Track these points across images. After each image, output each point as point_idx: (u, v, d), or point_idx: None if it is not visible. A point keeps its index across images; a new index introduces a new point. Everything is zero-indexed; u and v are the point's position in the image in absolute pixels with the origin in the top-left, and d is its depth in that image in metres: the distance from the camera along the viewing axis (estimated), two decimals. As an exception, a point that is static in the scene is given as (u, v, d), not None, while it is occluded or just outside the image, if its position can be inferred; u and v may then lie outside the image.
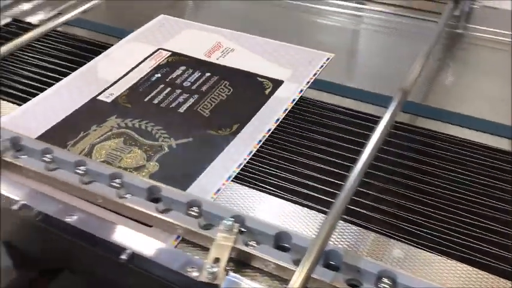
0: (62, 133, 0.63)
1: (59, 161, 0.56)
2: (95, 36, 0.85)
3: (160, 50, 0.80)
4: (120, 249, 0.48)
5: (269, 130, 0.64)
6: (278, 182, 0.57)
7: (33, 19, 0.90)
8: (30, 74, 0.76)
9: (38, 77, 0.75)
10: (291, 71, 0.74)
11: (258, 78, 0.73)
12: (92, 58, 0.79)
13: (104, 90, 0.71)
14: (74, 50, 0.81)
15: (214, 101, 0.68)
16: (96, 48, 0.81)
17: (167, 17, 0.90)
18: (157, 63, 0.76)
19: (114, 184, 0.53)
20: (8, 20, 0.90)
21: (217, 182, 0.56)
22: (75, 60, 0.79)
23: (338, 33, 0.87)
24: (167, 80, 0.73)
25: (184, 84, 0.72)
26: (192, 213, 0.50)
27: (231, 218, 0.47)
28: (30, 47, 0.81)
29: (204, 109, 0.67)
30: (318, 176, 0.57)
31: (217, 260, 0.44)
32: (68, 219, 0.51)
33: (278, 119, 0.65)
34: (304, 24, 0.90)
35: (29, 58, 0.79)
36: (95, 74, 0.75)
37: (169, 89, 0.71)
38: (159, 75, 0.74)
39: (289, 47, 0.81)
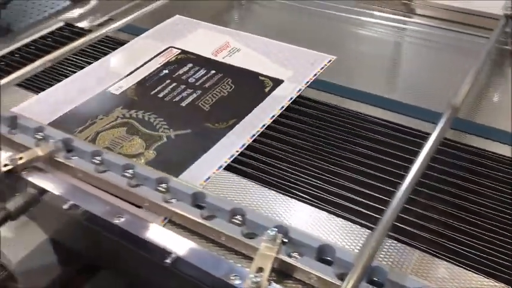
0: (71, 120, 0.68)
1: (108, 163, 0.57)
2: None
3: (171, 48, 0.84)
4: (165, 253, 0.49)
5: (264, 125, 0.66)
6: (314, 191, 0.57)
7: (84, 24, 0.93)
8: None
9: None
10: (292, 72, 0.77)
11: (259, 77, 0.76)
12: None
13: (114, 83, 0.75)
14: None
15: (215, 97, 0.72)
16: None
17: (181, 18, 0.94)
18: (166, 60, 0.80)
19: (160, 188, 0.54)
20: (61, 24, 0.93)
21: (207, 170, 0.59)
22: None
23: (381, 45, 0.86)
24: (174, 76, 0.77)
25: (189, 80, 0.75)
26: (236, 221, 0.51)
27: (275, 228, 0.47)
28: (81, 52, 0.84)
29: (204, 104, 0.70)
30: (361, 189, 0.57)
31: (260, 270, 0.44)
32: (115, 221, 0.52)
33: (274, 116, 0.68)
34: (345, 35, 0.90)
35: (82, 62, 0.82)
36: (108, 68, 0.80)
37: (174, 84, 0.75)
38: (166, 71, 0.78)
39: (294, 49, 0.82)
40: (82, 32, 0.90)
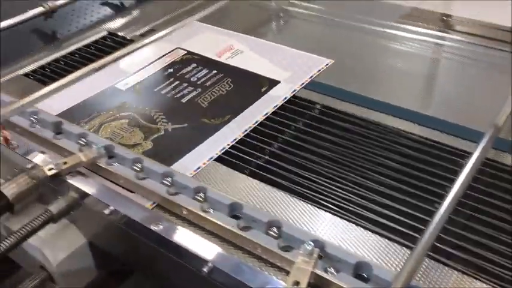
0: (79, 112, 0.74)
1: (148, 170, 0.59)
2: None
3: (178, 49, 0.89)
4: (202, 261, 0.50)
5: (256, 122, 0.70)
6: (344, 203, 0.57)
7: (127, 33, 0.96)
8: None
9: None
10: (290, 73, 0.80)
11: (258, 77, 0.80)
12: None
13: (122, 80, 0.81)
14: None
15: (214, 95, 0.76)
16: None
17: (195, 22, 0.98)
18: (172, 60, 0.86)
19: (198, 198, 0.55)
20: (104, 33, 0.96)
21: (198, 161, 0.64)
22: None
23: (418, 61, 0.85)
24: (178, 74, 0.82)
25: (192, 79, 0.80)
26: (272, 233, 0.51)
27: (311, 242, 0.47)
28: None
29: (203, 101, 0.75)
30: (396, 206, 0.56)
31: (296, 284, 0.45)
32: (154, 228, 0.53)
33: (267, 113, 0.71)
34: (382, 49, 0.89)
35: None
36: (118, 65, 0.84)
37: (177, 82, 0.80)
38: (171, 70, 0.83)
39: (295, 53, 0.86)
40: (124, 42, 0.93)
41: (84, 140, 0.64)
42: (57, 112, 0.73)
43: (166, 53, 0.87)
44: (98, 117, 0.72)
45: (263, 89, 0.76)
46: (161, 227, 0.53)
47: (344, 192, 0.58)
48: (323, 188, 0.59)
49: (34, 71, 0.86)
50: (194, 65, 0.84)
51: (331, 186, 0.59)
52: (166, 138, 0.68)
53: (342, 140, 0.67)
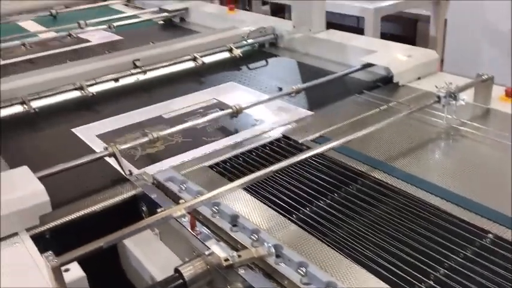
0: (122, 132, 1.15)
1: (312, 276, 0.62)
2: (353, 163, 0.93)
3: (213, 99, 1.29)
4: None
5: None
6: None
7: (299, 138, 1.04)
8: (291, 187, 0.87)
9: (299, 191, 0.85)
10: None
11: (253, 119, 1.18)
12: (348, 184, 0.87)
13: (167, 113, 1.24)
14: (332, 173, 0.90)
15: (219, 125, 1.16)
16: (353, 175, 0.89)
17: (234, 84, 1.38)
18: (206, 105, 1.27)
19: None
20: (280, 135, 1.06)
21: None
22: (334, 183, 0.87)
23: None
24: (203, 112, 1.22)
25: (212, 116, 1.14)
26: None
27: None
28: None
29: (210, 128, 1.15)
30: None
31: None
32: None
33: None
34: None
35: (293, 173, 0.91)
36: (168, 105, 1.29)
37: (200, 116, 1.16)
38: (201, 110, 1.23)
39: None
40: (296, 146, 1.01)
41: (256, 235, 0.70)
42: (103, 132, 1.17)
43: (205, 101, 1.30)
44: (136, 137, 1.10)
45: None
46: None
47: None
48: None
49: (217, 164, 0.97)
50: (217, 108, 1.24)
51: None
52: (175, 145, 1.06)
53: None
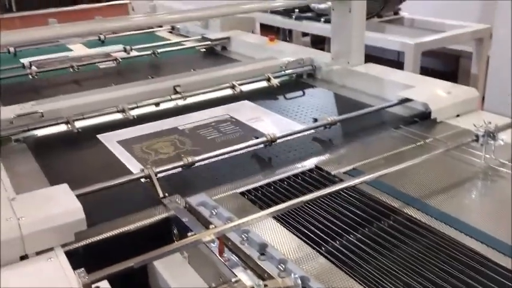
0: (141, 139, 1.27)
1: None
2: (386, 199, 0.92)
3: (227, 115, 1.40)
4: None
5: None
6: None
7: (331, 169, 1.04)
8: (321, 219, 0.86)
9: (329, 224, 0.85)
10: None
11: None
12: (380, 219, 0.86)
13: (184, 124, 1.36)
14: (363, 207, 0.90)
15: (229, 138, 1.26)
16: (385, 210, 0.88)
17: (246, 102, 1.50)
18: (218, 119, 1.38)
19: None
20: (312, 166, 1.06)
21: None
22: (365, 218, 0.86)
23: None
24: (215, 125, 1.34)
25: (221, 130, 1.30)
26: None
27: None
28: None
29: (218, 139, 1.26)
30: None
31: None
32: None
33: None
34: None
35: (324, 205, 0.91)
36: (185, 118, 1.41)
37: (211, 129, 1.32)
38: (214, 123, 1.35)
39: None
40: (329, 177, 1.01)
41: (283, 266, 0.70)
42: (125, 138, 1.28)
43: (218, 115, 1.42)
44: (155, 143, 1.24)
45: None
46: None
47: None
48: None
49: (249, 191, 0.98)
50: (229, 123, 1.35)
51: None
52: (184, 151, 1.17)
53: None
